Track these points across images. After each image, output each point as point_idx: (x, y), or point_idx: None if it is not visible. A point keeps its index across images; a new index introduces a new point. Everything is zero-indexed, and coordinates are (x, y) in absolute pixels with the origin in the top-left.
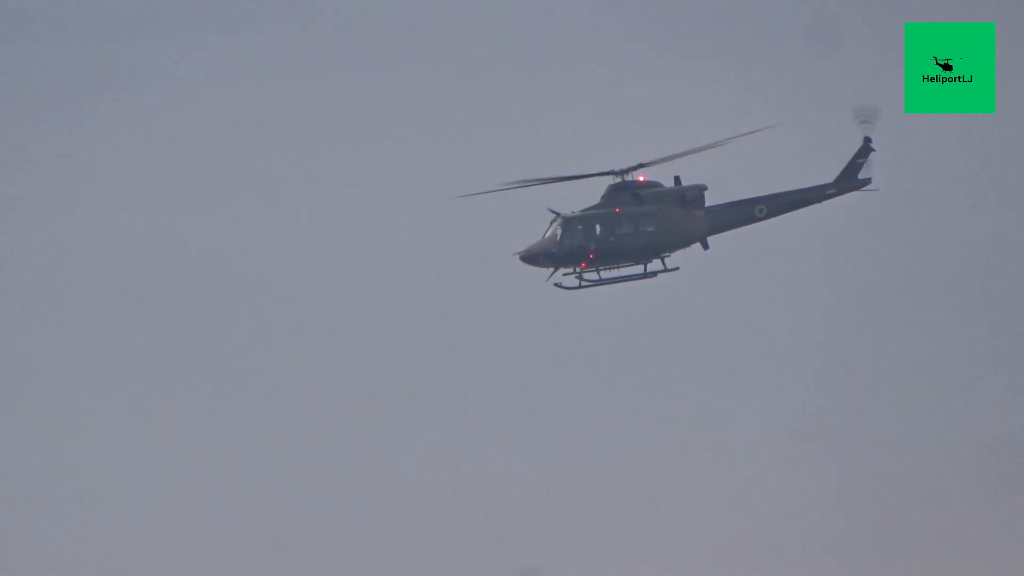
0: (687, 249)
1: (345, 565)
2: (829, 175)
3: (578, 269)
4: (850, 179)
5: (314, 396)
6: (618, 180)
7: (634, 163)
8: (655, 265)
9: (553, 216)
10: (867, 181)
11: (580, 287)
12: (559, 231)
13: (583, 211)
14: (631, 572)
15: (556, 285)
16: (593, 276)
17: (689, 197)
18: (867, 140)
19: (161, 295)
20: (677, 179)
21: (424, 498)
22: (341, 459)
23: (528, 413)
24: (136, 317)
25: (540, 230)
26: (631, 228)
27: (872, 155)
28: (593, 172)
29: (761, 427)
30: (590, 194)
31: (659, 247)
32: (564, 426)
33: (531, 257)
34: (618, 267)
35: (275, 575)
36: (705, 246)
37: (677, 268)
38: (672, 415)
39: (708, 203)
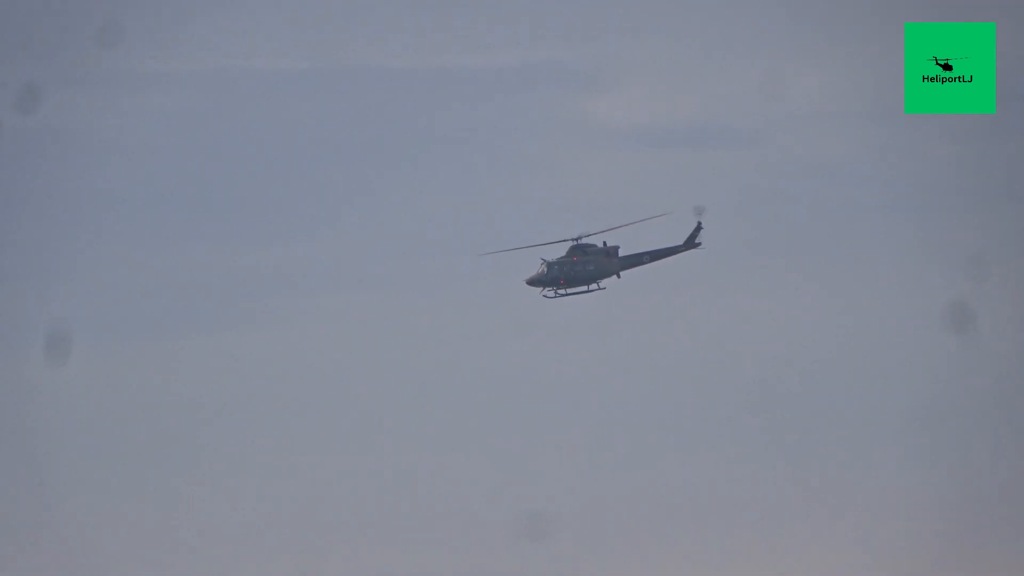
0: (610, 278)
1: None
2: (681, 240)
3: (555, 288)
4: (690, 243)
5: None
6: (575, 242)
7: (583, 233)
8: (593, 286)
9: (542, 261)
10: (699, 244)
11: (556, 297)
12: (546, 268)
13: (558, 258)
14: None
15: (544, 296)
16: (563, 292)
17: (611, 252)
18: (699, 224)
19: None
20: (604, 242)
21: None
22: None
23: (529, 374)
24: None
25: (535, 268)
26: (582, 267)
27: (701, 231)
28: (562, 239)
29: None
30: (559, 249)
31: (596, 277)
32: (547, 382)
33: (532, 281)
34: (575, 287)
35: None
36: (619, 276)
37: (604, 288)
38: (597, 373)
39: (620, 254)
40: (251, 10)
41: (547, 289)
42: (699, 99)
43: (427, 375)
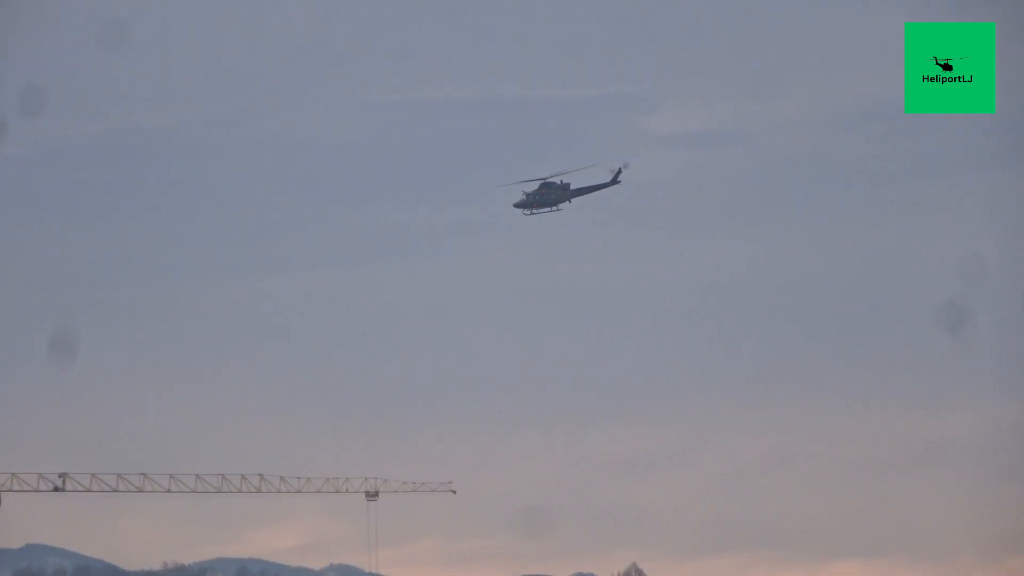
0: (565, 203)
1: None
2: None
3: (531, 208)
4: (614, 181)
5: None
6: (543, 181)
7: (549, 175)
8: (555, 208)
9: (523, 193)
10: (619, 182)
11: (532, 214)
12: (524, 197)
13: (533, 191)
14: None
15: (524, 213)
16: (535, 211)
17: (565, 187)
18: (620, 169)
19: None
20: (561, 180)
21: None
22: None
23: (513, 249)
24: None
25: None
26: (547, 196)
27: (621, 172)
28: (538, 178)
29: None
30: (535, 185)
31: (556, 202)
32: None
33: (517, 204)
34: (542, 209)
35: None
36: (570, 202)
37: (561, 209)
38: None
39: (572, 188)
40: (428, 59)
41: (525, 209)
42: (717, 116)
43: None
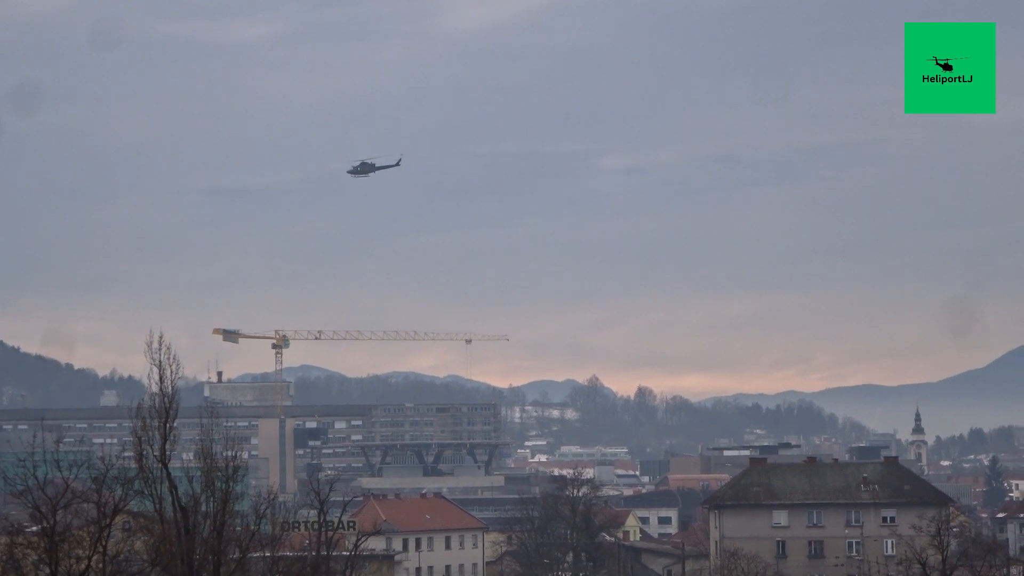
0: (372, 172)
1: None
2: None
3: (356, 173)
4: (397, 163)
5: None
6: (363, 161)
7: (367, 158)
8: (367, 175)
9: (353, 166)
10: (399, 164)
11: (356, 177)
12: (352, 168)
13: (357, 165)
14: None
15: (352, 176)
16: (358, 176)
17: (373, 163)
18: (400, 159)
19: None
20: (371, 161)
21: None
22: None
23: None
24: None
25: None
26: (365, 168)
27: (400, 160)
28: (361, 160)
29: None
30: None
31: (367, 172)
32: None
33: (349, 172)
34: (362, 175)
35: None
36: (375, 172)
37: (370, 176)
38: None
39: (377, 164)
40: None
41: (354, 174)
42: (636, 158)
43: None
